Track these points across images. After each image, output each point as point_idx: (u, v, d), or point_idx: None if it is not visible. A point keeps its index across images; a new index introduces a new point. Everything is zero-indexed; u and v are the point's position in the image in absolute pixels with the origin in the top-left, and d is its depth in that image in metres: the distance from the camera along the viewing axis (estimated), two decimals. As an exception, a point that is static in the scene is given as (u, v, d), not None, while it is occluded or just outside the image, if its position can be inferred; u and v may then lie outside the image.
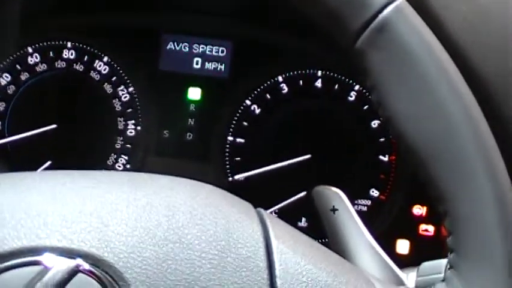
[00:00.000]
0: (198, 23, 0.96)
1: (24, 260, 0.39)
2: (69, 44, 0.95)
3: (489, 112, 0.47)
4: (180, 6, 0.95)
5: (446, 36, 0.51)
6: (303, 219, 0.95)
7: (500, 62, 0.54)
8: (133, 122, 0.96)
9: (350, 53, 0.48)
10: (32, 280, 0.38)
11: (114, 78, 0.95)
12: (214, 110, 0.96)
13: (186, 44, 0.96)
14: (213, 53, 0.96)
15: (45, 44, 0.94)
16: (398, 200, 0.95)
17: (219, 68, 0.96)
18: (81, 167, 0.48)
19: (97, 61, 0.95)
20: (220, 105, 0.96)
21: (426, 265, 0.50)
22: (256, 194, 0.66)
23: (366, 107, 0.94)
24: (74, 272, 0.39)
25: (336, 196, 0.63)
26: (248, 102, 0.95)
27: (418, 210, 0.94)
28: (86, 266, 0.39)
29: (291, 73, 0.95)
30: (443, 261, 0.48)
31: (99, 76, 0.95)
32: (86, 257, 0.39)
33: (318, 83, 0.95)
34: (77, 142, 0.95)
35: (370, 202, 0.95)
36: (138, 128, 0.96)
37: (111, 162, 0.96)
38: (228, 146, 0.96)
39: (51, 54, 0.95)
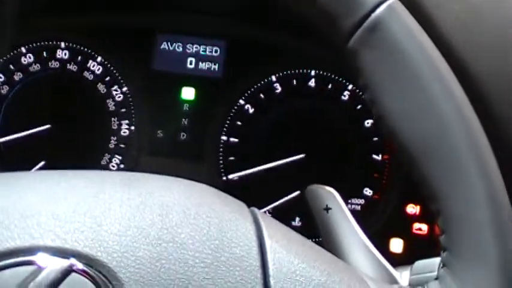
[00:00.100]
0: (192, 23, 0.96)
1: (17, 259, 0.39)
2: (62, 44, 0.95)
3: (481, 111, 0.47)
4: (180, 6, 0.95)
5: (438, 35, 0.51)
6: (297, 219, 0.95)
7: (493, 61, 0.54)
8: (127, 121, 0.95)
9: (343, 52, 0.49)
10: (26, 280, 0.38)
11: (107, 78, 0.95)
12: (208, 110, 0.96)
13: (179, 43, 0.96)
14: (207, 52, 0.96)
15: (38, 44, 0.94)
16: (392, 199, 0.95)
17: (212, 68, 0.96)
18: (75, 166, 0.48)
19: (91, 61, 0.95)
20: (214, 104, 0.96)
21: (420, 263, 0.50)
22: (249, 194, 0.66)
23: (359, 107, 0.95)
24: (67, 272, 0.38)
25: (330, 195, 0.63)
26: (242, 101, 0.95)
27: (412, 209, 0.94)
28: (80, 265, 0.39)
29: (285, 73, 0.95)
30: (437, 260, 0.48)
31: (92, 76, 0.95)
32: (79, 256, 0.39)
33: (312, 83, 0.95)
34: (71, 142, 0.95)
35: (363, 201, 0.95)
36: (132, 127, 0.96)
37: (105, 162, 0.96)
38: (221, 145, 0.96)
39: (44, 54, 0.94)
